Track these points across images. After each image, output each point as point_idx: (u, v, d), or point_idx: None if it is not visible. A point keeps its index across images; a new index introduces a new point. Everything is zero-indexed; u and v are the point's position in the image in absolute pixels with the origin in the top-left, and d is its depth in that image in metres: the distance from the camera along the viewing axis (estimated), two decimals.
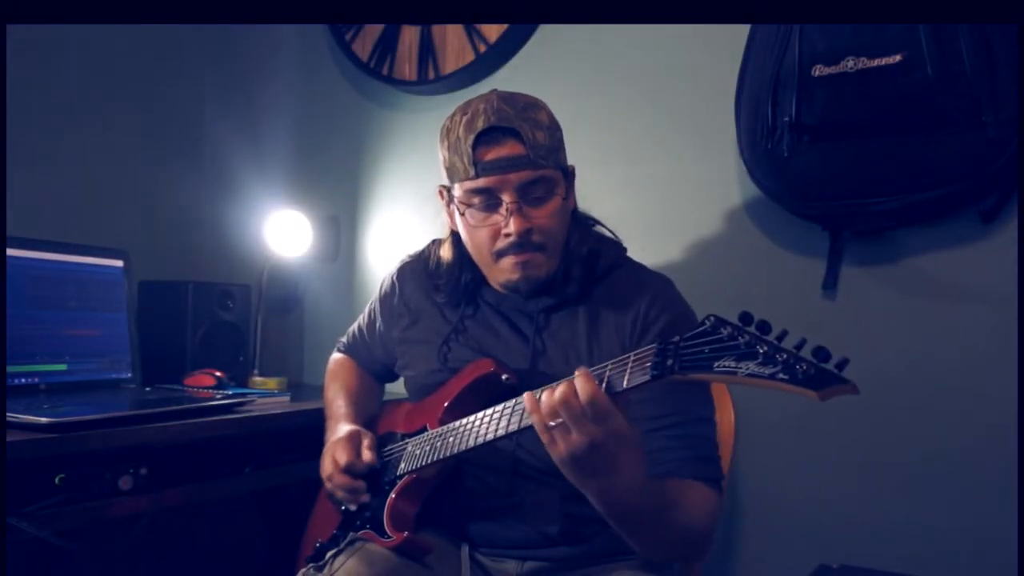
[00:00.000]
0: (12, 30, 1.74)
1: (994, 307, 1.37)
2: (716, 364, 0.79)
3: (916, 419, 1.43)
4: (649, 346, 0.88)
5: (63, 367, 1.60)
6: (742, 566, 1.58)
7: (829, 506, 1.49)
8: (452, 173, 1.17)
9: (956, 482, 1.39)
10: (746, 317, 0.79)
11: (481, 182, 1.13)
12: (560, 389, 0.90)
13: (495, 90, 1.19)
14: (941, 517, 1.40)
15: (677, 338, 0.85)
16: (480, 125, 1.12)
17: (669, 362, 0.84)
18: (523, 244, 1.14)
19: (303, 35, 2.18)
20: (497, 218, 1.15)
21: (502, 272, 1.19)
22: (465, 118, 1.14)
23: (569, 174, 1.22)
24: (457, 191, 1.17)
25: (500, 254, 1.17)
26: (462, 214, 1.18)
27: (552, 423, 0.91)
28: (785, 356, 0.74)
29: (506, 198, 1.13)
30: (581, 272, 1.20)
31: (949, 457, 1.40)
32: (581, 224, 1.25)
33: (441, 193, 1.25)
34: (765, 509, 1.56)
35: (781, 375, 0.74)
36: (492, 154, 1.12)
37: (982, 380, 1.38)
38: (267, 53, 2.24)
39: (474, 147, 1.12)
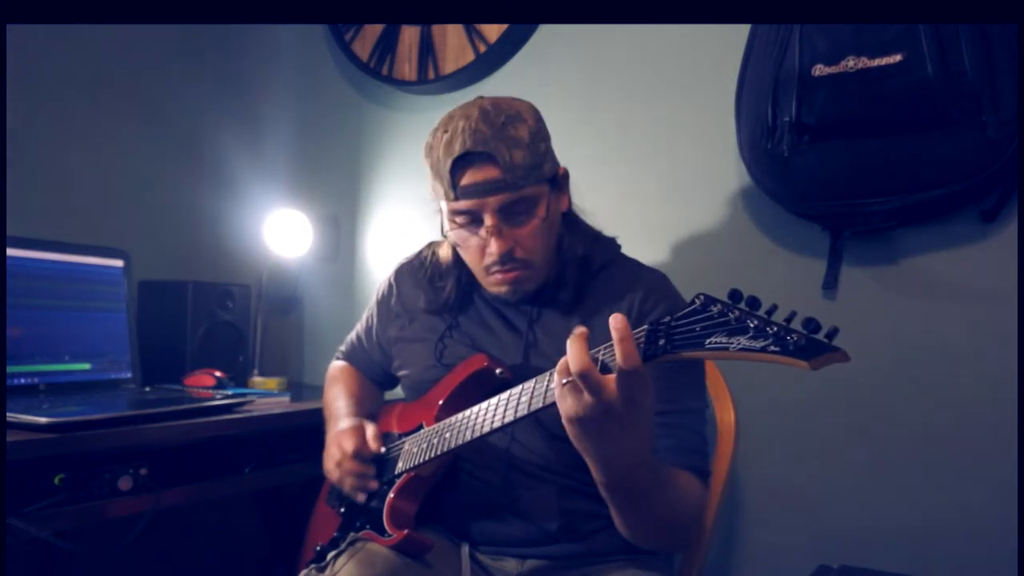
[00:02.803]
0: (12, 30, 1.73)
1: (994, 307, 1.37)
2: (708, 341, 0.79)
3: (916, 419, 1.43)
4: (640, 328, 0.87)
5: (63, 367, 1.59)
6: (742, 566, 1.58)
7: (829, 506, 1.49)
8: (436, 192, 1.18)
9: (956, 482, 1.39)
10: (735, 294, 0.80)
11: (462, 204, 1.14)
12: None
13: (480, 99, 1.18)
14: (941, 517, 1.40)
15: (668, 318, 0.85)
16: (457, 149, 1.11)
17: (661, 342, 0.84)
18: (506, 261, 1.16)
19: (303, 35, 2.18)
20: (482, 235, 1.15)
21: (491, 285, 1.21)
22: (445, 137, 1.13)
23: (559, 179, 1.21)
24: (443, 207, 1.19)
25: (487, 270, 1.18)
26: (451, 230, 1.19)
27: (564, 381, 0.89)
28: (775, 329, 0.74)
29: (487, 220, 1.14)
30: (575, 277, 1.20)
31: (949, 457, 1.40)
32: (572, 226, 1.24)
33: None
34: (765, 508, 1.56)
35: (772, 347, 0.74)
36: (469, 178, 1.12)
37: (983, 380, 1.37)
38: (267, 53, 2.24)
39: (452, 171, 1.13)
